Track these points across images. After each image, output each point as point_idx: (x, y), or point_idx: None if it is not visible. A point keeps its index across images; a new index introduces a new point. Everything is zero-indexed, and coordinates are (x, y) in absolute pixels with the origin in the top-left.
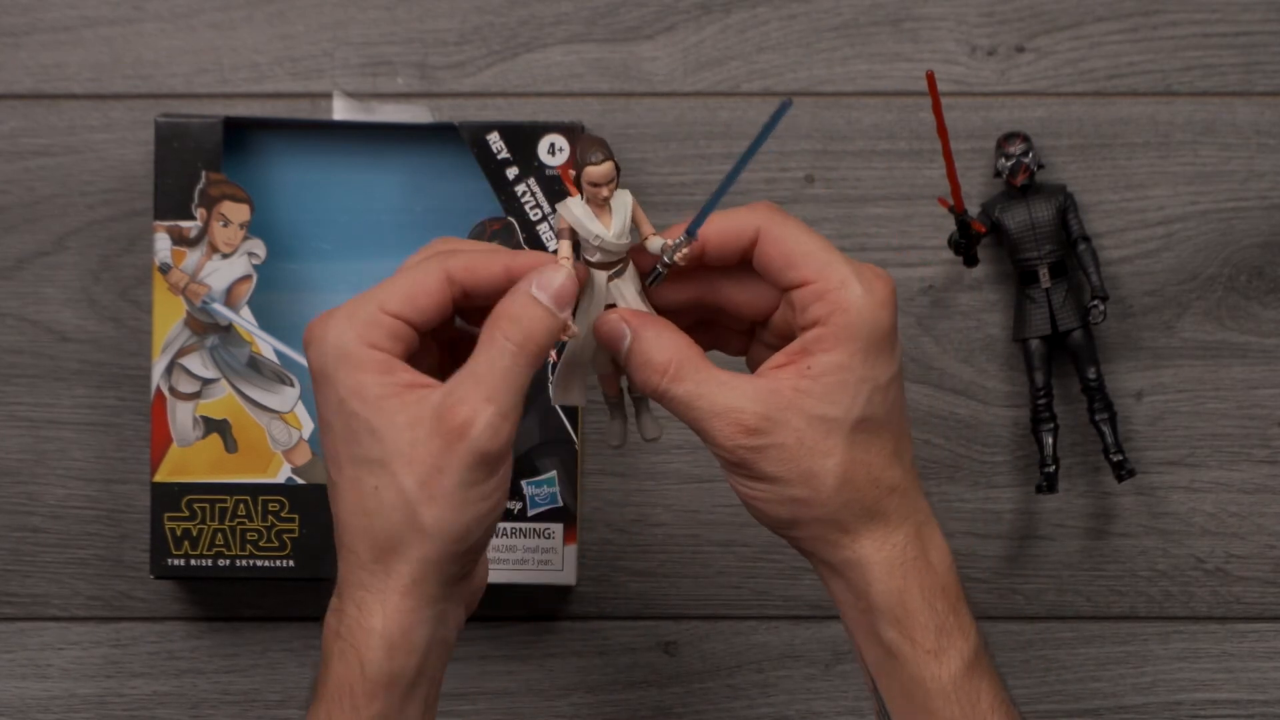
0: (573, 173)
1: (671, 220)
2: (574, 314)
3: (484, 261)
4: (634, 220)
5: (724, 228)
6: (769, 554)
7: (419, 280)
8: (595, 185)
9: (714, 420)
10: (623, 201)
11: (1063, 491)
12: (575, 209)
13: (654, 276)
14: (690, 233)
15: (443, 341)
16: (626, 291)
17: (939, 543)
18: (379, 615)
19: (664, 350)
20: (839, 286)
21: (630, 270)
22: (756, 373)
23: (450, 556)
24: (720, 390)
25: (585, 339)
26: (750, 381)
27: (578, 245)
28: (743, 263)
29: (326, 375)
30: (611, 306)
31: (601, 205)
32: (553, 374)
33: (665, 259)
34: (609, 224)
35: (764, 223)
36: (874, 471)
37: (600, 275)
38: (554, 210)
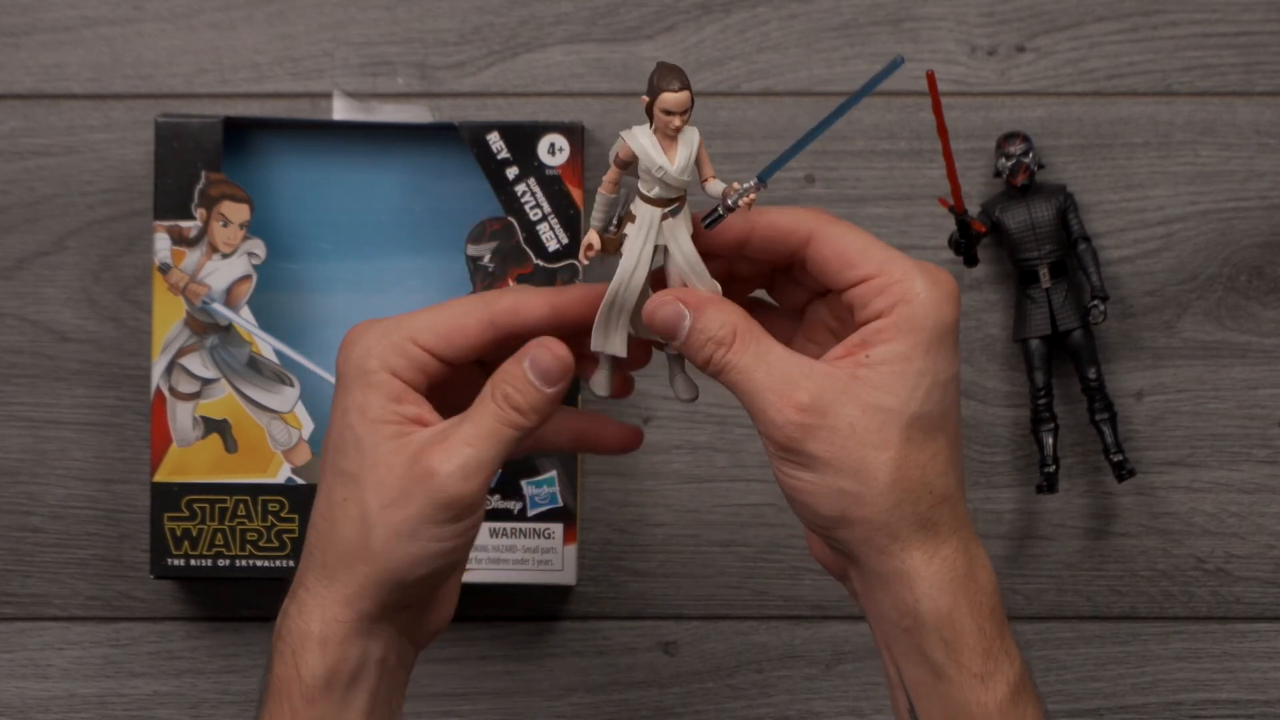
0: (645, 99)
1: None
2: (622, 245)
3: (530, 302)
4: (696, 161)
5: (775, 223)
6: (769, 554)
7: (459, 318)
8: (669, 114)
9: (767, 394)
10: (690, 138)
11: (1063, 491)
12: (642, 138)
13: (713, 219)
14: (761, 179)
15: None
16: (679, 234)
17: (984, 560)
18: (317, 619)
19: (728, 321)
20: (902, 279)
21: (685, 212)
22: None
23: (390, 583)
24: (778, 363)
25: (631, 277)
26: (809, 361)
27: (626, 177)
28: (780, 266)
29: (343, 383)
30: (662, 248)
31: (670, 138)
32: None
33: (729, 201)
34: (673, 158)
35: (816, 224)
36: (927, 475)
37: (654, 211)
38: (553, 210)
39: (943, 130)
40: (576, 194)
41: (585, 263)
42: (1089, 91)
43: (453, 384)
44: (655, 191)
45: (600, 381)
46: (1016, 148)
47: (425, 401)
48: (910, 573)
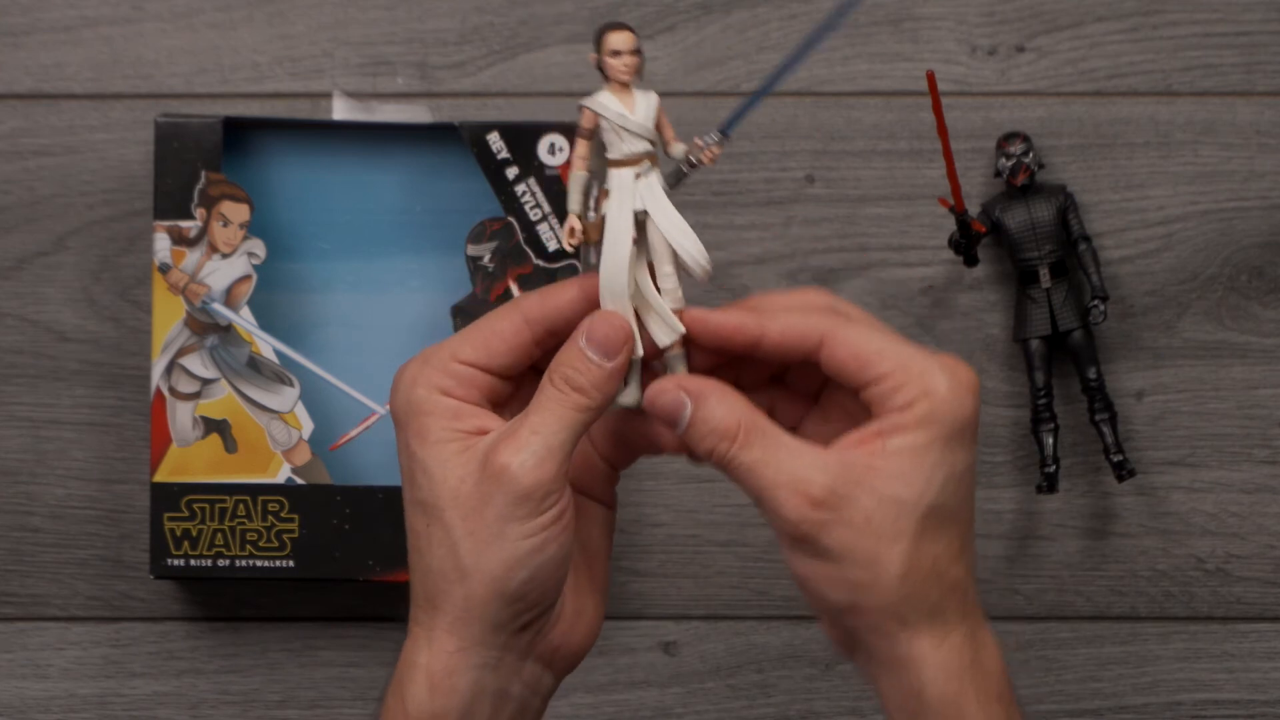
0: (593, 57)
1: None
2: (603, 221)
3: (556, 292)
4: (657, 125)
5: (786, 331)
6: (769, 554)
7: (494, 325)
8: (617, 53)
9: (779, 490)
10: (648, 94)
11: (1063, 491)
12: (599, 96)
13: (677, 177)
14: (724, 131)
15: None
16: (655, 194)
17: (992, 644)
18: (424, 652)
19: (731, 415)
20: (921, 374)
21: (658, 172)
22: (827, 446)
23: (492, 597)
24: (789, 458)
25: (616, 251)
26: (819, 452)
27: (600, 152)
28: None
29: (399, 421)
30: (642, 215)
31: (624, 86)
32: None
33: (691, 157)
34: (632, 109)
35: (828, 328)
36: (940, 565)
37: (626, 173)
38: (553, 210)
39: (943, 130)
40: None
41: (571, 248)
42: (1089, 91)
43: (518, 398)
44: (623, 150)
45: (629, 390)
46: (1016, 148)
47: (489, 414)
48: (917, 659)
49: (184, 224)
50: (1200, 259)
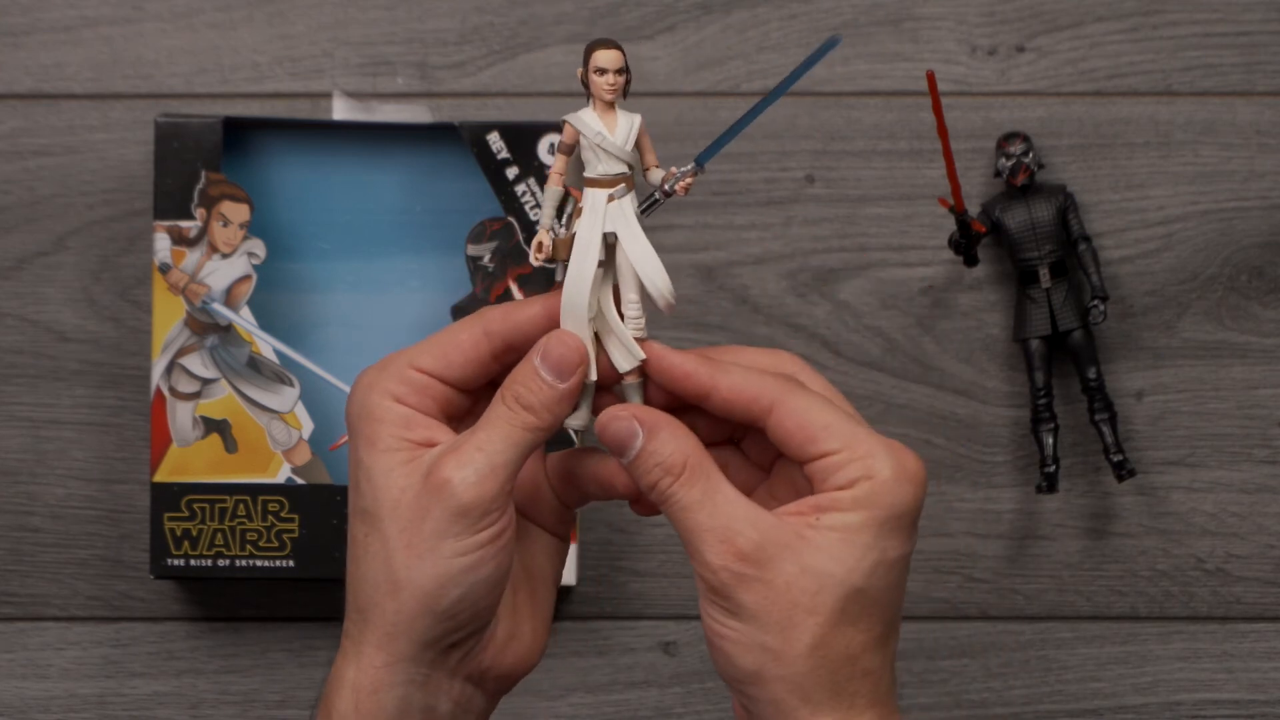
0: (580, 72)
1: (670, 220)
2: (572, 239)
3: (520, 308)
4: (639, 146)
5: (737, 388)
6: None
7: (454, 336)
8: (602, 71)
9: (708, 534)
10: (631, 116)
11: (1063, 491)
12: (583, 114)
13: (649, 204)
14: (699, 162)
15: None
16: (628, 218)
17: None
18: (352, 667)
19: (680, 450)
20: (866, 456)
21: (632, 196)
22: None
23: (422, 613)
24: (725, 505)
25: (581, 269)
26: (757, 509)
27: (576, 168)
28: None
29: (351, 426)
30: (612, 239)
31: (609, 105)
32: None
33: (666, 186)
34: (614, 129)
35: (779, 395)
36: (853, 648)
37: (600, 194)
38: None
39: (943, 130)
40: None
41: (537, 263)
42: (1089, 91)
43: (474, 413)
44: (599, 170)
45: (578, 414)
46: (1016, 148)
47: (441, 425)
48: None
49: (184, 224)
50: (1200, 259)
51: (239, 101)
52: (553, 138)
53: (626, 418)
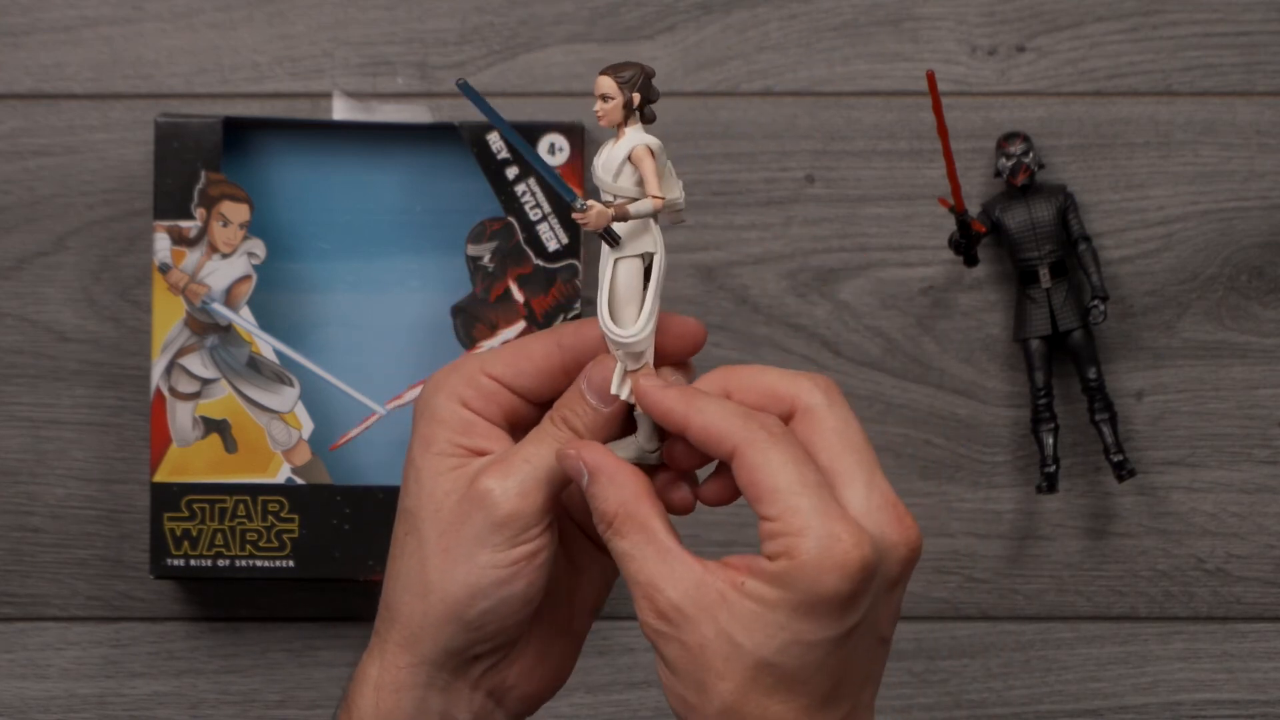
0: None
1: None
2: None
3: (593, 323)
4: (639, 178)
5: (708, 427)
6: None
7: (527, 345)
8: (598, 98)
9: (635, 587)
10: (627, 144)
11: (1063, 491)
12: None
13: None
14: (575, 204)
15: None
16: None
17: None
18: (375, 664)
19: (614, 499)
20: (795, 533)
21: (632, 224)
22: (706, 559)
23: (449, 619)
24: (650, 562)
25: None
26: (688, 564)
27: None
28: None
29: (414, 424)
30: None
31: (618, 134)
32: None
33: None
34: (603, 152)
35: (741, 443)
36: (771, 717)
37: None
38: (554, 210)
39: (943, 130)
40: (577, 194)
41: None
42: (1089, 91)
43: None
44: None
45: (631, 440)
46: (1016, 148)
47: (501, 434)
48: None
49: (184, 224)
50: (1200, 259)
51: (239, 101)
52: (553, 138)
53: (574, 457)
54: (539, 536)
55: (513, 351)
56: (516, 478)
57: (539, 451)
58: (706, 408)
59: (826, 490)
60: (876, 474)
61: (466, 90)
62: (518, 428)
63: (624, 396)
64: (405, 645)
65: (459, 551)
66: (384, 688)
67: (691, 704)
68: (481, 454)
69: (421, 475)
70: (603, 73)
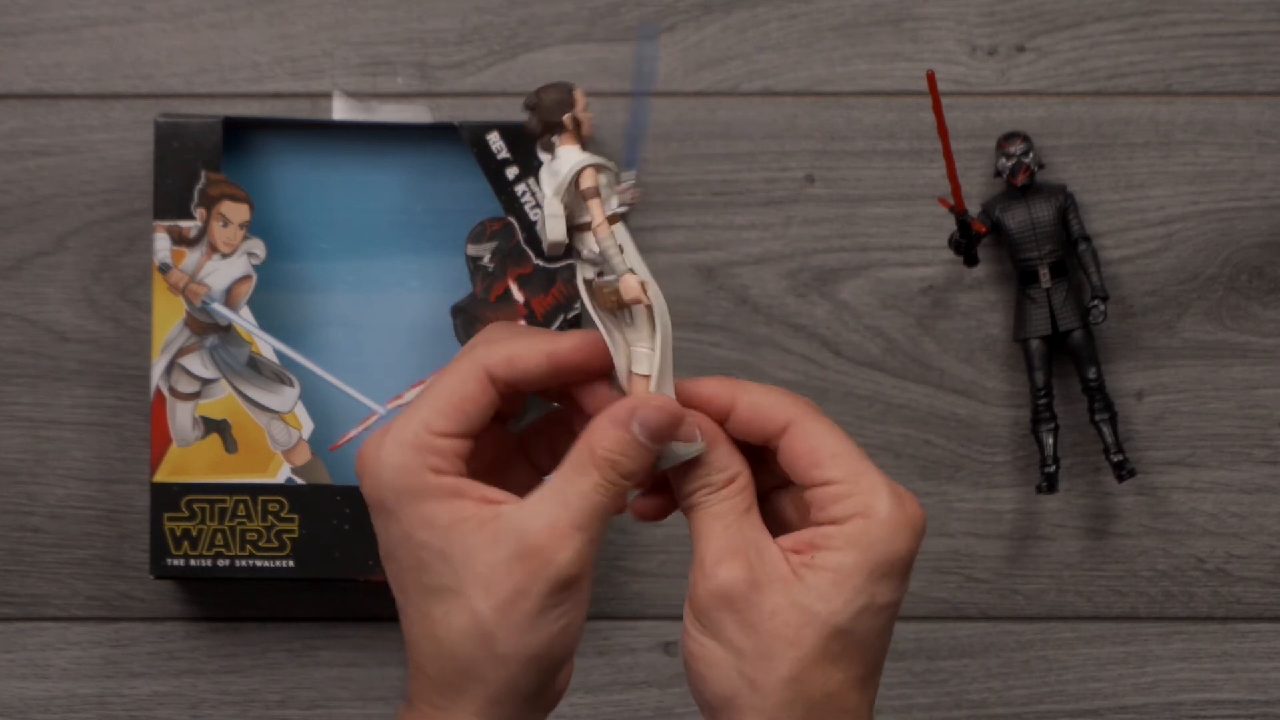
0: (547, 125)
1: (670, 220)
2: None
3: (524, 352)
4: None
5: (757, 404)
6: None
7: (459, 388)
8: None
9: (720, 550)
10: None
11: (1063, 491)
12: (587, 154)
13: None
14: (630, 167)
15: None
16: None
17: None
18: None
19: (732, 467)
20: (867, 493)
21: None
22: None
23: (531, 676)
24: (745, 528)
25: (665, 307)
26: (769, 539)
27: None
28: (755, 447)
29: (388, 509)
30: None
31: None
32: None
33: (629, 203)
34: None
35: (795, 415)
36: (832, 686)
37: (622, 228)
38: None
39: (943, 130)
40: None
41: (625, 308)
42: (1089, 91)
43: (476, 452)
44: (614, 203)
45: (670, 453)
46: (1016, 148)
47: (476, 482)
48: None
49: (184, 224)
50: (1200, 259)
51: (239, 101)
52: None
53: (692, 425)
54: (592, 571)
55: (450, 400)
56: (575, 544)
57: (585, 509)
58: (752, 389)
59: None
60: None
61: (647, 32)
62: (470, 454)
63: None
64: (482, 712)
65: (525, 620)
66: None
67: (749, 676)
68: (484, 502)
69: (448, 554)
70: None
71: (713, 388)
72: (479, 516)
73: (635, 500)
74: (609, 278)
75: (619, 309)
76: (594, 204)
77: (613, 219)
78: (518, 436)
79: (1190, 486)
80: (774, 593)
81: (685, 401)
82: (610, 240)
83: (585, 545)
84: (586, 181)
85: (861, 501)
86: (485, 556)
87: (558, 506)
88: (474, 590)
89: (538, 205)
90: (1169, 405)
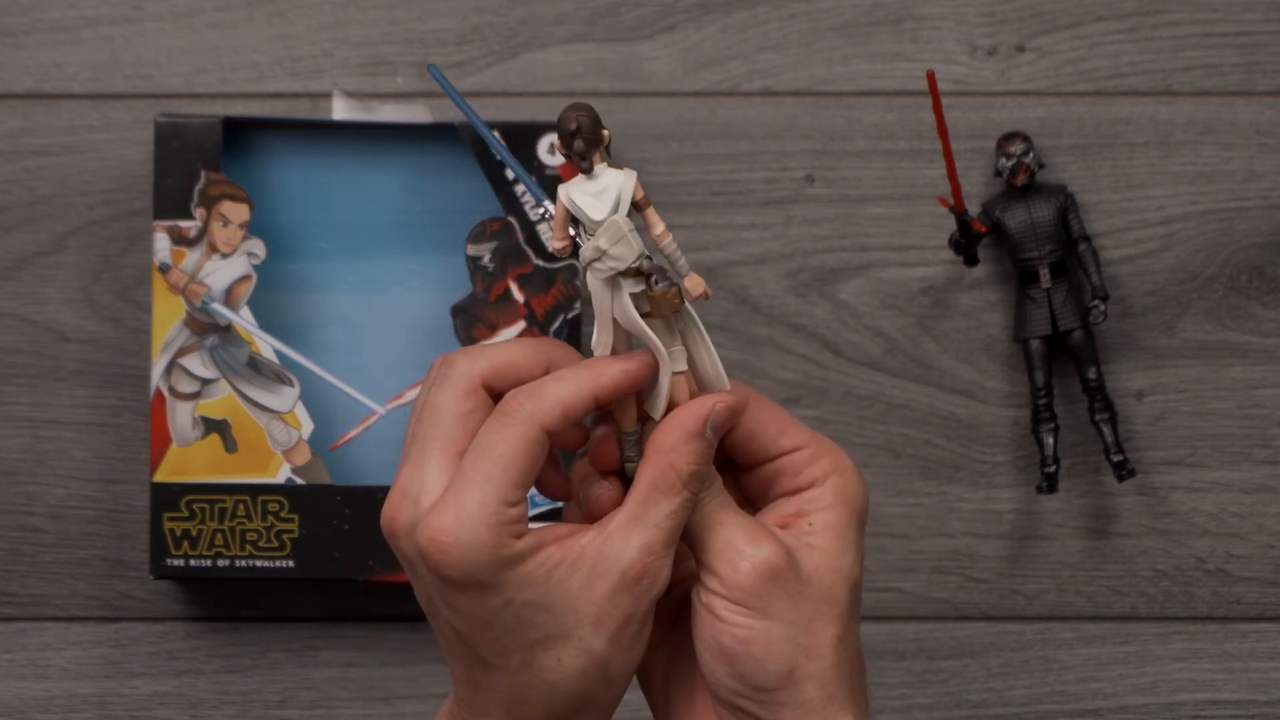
0: (593, 143)
1: (670, 220)
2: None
3: (573, 398)
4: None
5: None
6: None
7: (526, 455)
8: None
9: (737, 538)
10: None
11: (1063, 491)
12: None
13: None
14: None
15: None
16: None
17: None
18: None
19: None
20: (831, 453)
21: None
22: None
23: (625, 688)
24: (738, 522)
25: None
26: (766, 527)
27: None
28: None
29: (484, 584)
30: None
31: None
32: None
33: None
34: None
35: (748, 394)
36: (857, 641)
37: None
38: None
39: (943, 130)
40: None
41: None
42: (1089, 91)
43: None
44: None
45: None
46: (1016, 148)
47: (542, 527)
48: None
49: (184, 224)
50: (1200, 259)
51: (239, 101)
52: (553, 138)
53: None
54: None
55: (518, 470)
56: (668, 562)
57: (666, 527)
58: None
59: None
60: None
61: (436, 76)
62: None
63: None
64: None
65: (635, 640)
66: None
67: (805, 645)
68: (562, 541)
69: (551, 604)
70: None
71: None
72: (569, 560)
73: (599, 494)
74: (663, 284)
75: (676, 311)
76: (650, 212)
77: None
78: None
79: (1190, 486)
80: (803, 561)
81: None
82: (675, 243)
83: (672, 557)
84: (640, 193)
85: (831, 461)
86: (588, 595)
87: (649, 531)
88: (585, 629)
89: (539, 206)
90: (1169, 405)
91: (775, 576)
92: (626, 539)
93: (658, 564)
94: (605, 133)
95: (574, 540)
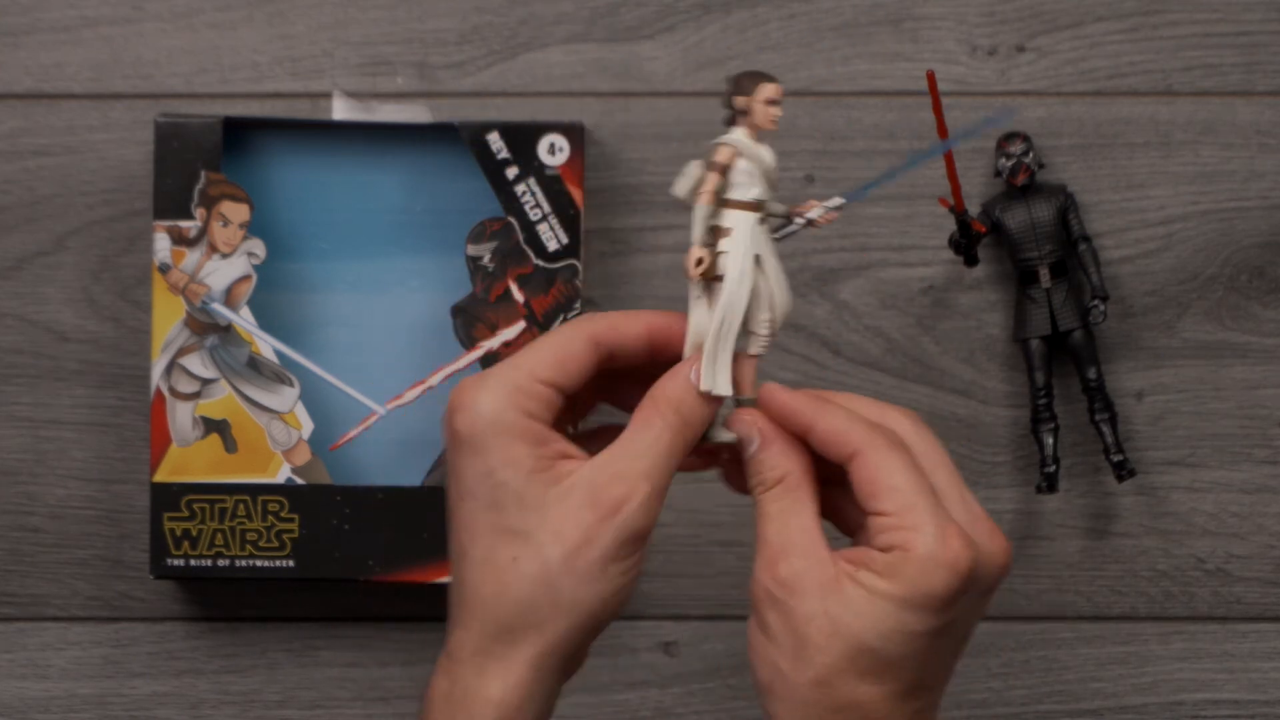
0: (738, 100)
1: (670, 220)
2: (716, 266)
3: (626, 321)
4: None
5: (832, 428)
6: None
7: (566, 345)
8: (774, 103)
9: (764, 548)
10: (769, 148)
11: (1063, 491)
12: (738, 138)
13: (787, 230)
14: (848, 199)
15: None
16: (766, 240)
17: None
18: (498, 685)
19: (780, 467)
20: (910, 528)
21: (768, 221)
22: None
23: (582, 630)
24: (792, 529)
25: (738, 293)
26: (818, 544)
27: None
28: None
29: (477, 443)
30: (757, 258)
31: (758, 138)
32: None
33: (811, 215)
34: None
35: (865, 444)
36: (861, 697)
37: (751, 218)
38: (553, 210)
39: (942, 130)
40: (577, 194)
41: (695, 279)
42: (1089, 91)
43: (565, 418)
44: (751, 194)
45: (718, 428)
46: (1016, 148)
47: (560, 436)
48: None
49: (184, 224)
50: (1200, 259)
51: (239, 101)
52: (553, 138)
53: (750, 424)
54: (651, 535)
55: (555, 354)
56: (641, 495)
57: (656, 459)
58: (834, 413)
59: (937, 498)
60: (967, 492)
61: (1005, 114)
62: (557, 425)
63: (717, 391)
64: (534, 662)
65: (590, 570)
66: (509, 705)
67: (783, 670)
68: (560, 457)
69: (525, 498)
70: (775, 80)
71: (793, 405)
72: (558, 469)
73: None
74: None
75: (708, 279)
76: (711, 175)
77: (747, 205)
78: (576, 439)
79: (1190, 486)
80: (812, 598)
81: (774, 405)
82: (703, 210)
83: (652, 496)
84: (716, 155)
85: (903, 536)
86: (559, 504)
87: (626, 458)
88: (544, 536)
89: (538, 205)
90: (1169, 405)
91: (772, 600)
92: (604, 461)
93: (627, 490)
94: (751, 105)
95: (574, 459)
